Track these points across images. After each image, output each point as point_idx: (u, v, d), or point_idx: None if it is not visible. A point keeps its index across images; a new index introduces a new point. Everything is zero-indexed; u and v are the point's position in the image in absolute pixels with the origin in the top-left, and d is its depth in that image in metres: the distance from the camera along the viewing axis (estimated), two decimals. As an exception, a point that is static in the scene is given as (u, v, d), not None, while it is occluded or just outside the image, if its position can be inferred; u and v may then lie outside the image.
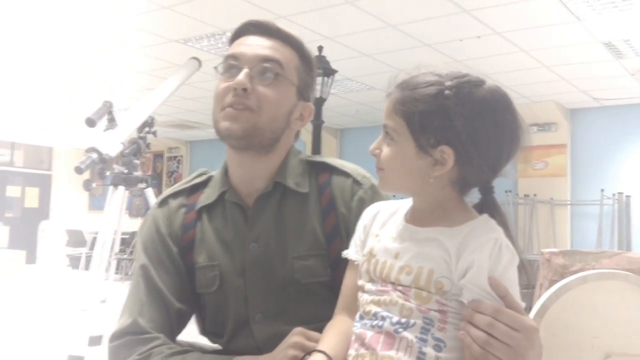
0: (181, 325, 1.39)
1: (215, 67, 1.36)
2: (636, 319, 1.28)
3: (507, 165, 1.07)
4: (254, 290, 1.32)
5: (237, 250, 1.34)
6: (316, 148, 6.18)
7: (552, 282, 1.29)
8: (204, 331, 1.43)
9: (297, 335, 1.18)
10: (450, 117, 1.01)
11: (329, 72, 5.94)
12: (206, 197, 1.42)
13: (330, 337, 1.13)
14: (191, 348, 1.30)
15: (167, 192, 1.49)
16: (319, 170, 1.42)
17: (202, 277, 1.36)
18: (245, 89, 1.28)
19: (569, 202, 8.57)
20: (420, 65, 1.10)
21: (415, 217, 1.11)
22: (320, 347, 1.11)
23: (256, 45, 1.33)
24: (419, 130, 1.03)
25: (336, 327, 1.15)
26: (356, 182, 1.38)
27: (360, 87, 7.87)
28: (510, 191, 8.54)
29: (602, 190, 8.15)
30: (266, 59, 1.31)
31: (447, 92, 1.02)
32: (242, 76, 1.28)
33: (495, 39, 5.78)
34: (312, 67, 1.42)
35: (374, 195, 1.36)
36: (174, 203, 1.44)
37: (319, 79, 5.93)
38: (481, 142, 1.01)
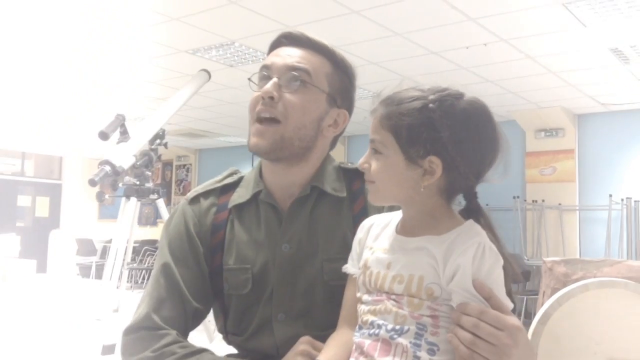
0: (195, 323, 1.41)
1: (249, 79, 1.40)
2: (637, 326, 1.31)
3: (489, 171, 1.12)
4: (280, 289, 1.35)
5: (269, 250, 1.37)
6: (324, 156, 6.22)
7: (555, 290, 1.32)
8: (223, 329, 1.45)
9: (304, 344, 1.22)
10: (436, 128, 1.06)
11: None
12: (239, 196, 1.44)
13: (330, 348, 1.18)
14: (204, 348, 1.32)
15: (198, 189, 1.50)
16: (353, 177, 1.44)
17: (233, 280, 1.38)
18: (272, 97, 1.32)
19: (577, 208, 8.56)
20: (402, 82, 1.16)
21: (405, 228, 1.16)
22: (321, 357, 1.16)
23: (287, 55, 1.36)
24: (406, 142, 1.08)
25: (337, 339, 1.20)
26: None
27: (368, 94, 7.90)
28: (518, 197, 8.56)
29: (611, 195, 8.15)
30: (294, 68, 1.34)
31: (431, 105, 1.08)
32: (269, 85, 1.32)
33: (501, 46, 5.81)
34: (347, 74, 1.43)
35: None
36: (205, 202, 1.45)
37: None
38: (466, 150, 1.07)
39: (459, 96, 1.10)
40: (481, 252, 1.04)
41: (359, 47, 5.96)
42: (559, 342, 1.29)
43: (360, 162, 1.15)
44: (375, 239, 1.20)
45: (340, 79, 1.41)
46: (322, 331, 1.26)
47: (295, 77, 1.33)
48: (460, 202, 1.15)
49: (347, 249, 1.33)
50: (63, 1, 4.96)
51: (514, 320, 1.02)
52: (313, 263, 1.34)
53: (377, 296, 1.11)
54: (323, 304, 1.33)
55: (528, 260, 8.25)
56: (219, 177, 1.52)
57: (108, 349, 3.49)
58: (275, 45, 1.42)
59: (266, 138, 1.32)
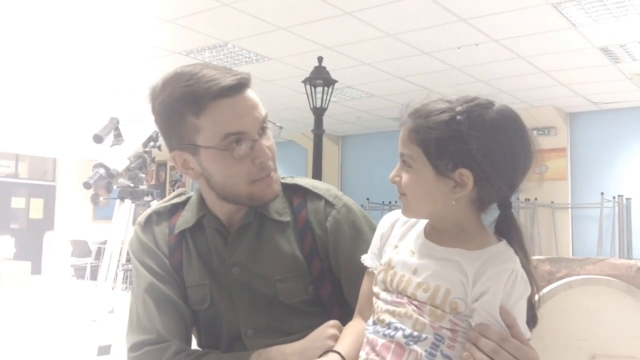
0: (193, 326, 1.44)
1: (232, 152, 1.27)
2: (619, 322, 1.34)
3: (523, 180, 1.12)
4: (242, 309, 1.36)
5: (222, 273, 1.38)
6: (317, 156, 6.26)
7: (539, 288, 1.36)
8: (200, 344, 1.47)
9: (334, 328, 1.24)
10: (464, 141, 1.04)
11: (329, 82, 6.01)
12: (184, 220, 1.43)
13: (346, 337, 1.20)
14: (208, 351, 1.35)
15: (148, 211, 1.50)
16: (292, 192, 1.44)
17: (194, 296, 1.40)
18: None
19: (569, 206, 8.61)
20: (430, 93, 1.14)
21: (435, 235, 1.14)
22: (337, 347, 1.18)
23: (252, 111, 1.29)
24: (435, 156, 1.06)
25: (352, 328, 1.22)
26: (328, 203, 1.41)
27: (361, 94, 7.94)
28: (511, 195, 8.58)
29: (602, 193, 8.20)
30: (264, 121, 1.32)
31: (458, 117, 1.05)
32: (264, 151, 1.30)
33: (492, 46, 5.86)
34: None
35: (348, 213, 1.40)
36: (157, 227, 1.45)
37: (319, 89, 6.01)
38: (497, 161, 1.05)
39: (488, 106, 1.08)
40: (513, 280, 1.05)
41: (351, 48, 6.00)
42: (544, 339, 1.32)
43: (391, 175, 1.14)
44: (402, 239, 1.19)
45: None
46: (296, 334, 1.28)
47: (267, 130, 1.33)
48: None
49: (297, 265, 1.35)
50: (57, 4, 4.97)
51: (533, 353, 1.04)
52: (266, 284, 1.35)
53: (398, 298, 1.11)
54: (286, 319, 1.34)
55: (521, 258, 8.29)
56: (167, 197, 1.51)
57: (104, 350, 3.51)
58: (209, 100, 1.26)
59: (275, 186, 1.35)
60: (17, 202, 14.58)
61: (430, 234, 1.15)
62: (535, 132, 8.55)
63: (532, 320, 1.11)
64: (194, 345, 1.44)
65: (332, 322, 1.25)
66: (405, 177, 1.11)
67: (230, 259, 1.37)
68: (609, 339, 1.33)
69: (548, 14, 5.01)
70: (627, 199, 8.06)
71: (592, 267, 1.37)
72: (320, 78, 5.97)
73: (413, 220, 1.20)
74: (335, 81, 6.12)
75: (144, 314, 1.36)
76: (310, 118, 6.39)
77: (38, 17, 5.27)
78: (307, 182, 1.46)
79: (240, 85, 1.28)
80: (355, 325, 1.22)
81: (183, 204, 1.47)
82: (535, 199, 8.67)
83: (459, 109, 1.07)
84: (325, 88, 6.02)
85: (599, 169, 8.48)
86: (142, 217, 1.48)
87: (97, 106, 8.45)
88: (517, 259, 1.08)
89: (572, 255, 8.29)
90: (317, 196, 1.42)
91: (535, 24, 5.26)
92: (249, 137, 1.28)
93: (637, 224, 8.03)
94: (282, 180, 1.44)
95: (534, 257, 1.41)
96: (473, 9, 4.98)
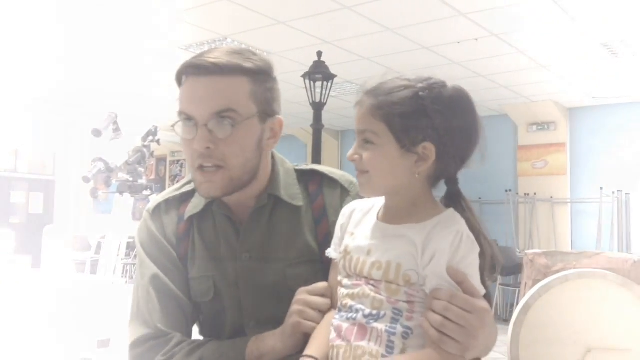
0: (195, 319, 1.44)
1: (173, 126, 1.28)
2: (614, 315, 1.35)
3: (471, 157, 1.16)
4: (247, 299, 1.35)
5: (229, 261, 1.37)
6: (316, 151, 6.25)
7: (536, 282, 1.37)
8: (202, 333, 1.47)
9: (298, 304, 1.24)
10: (428, 115, 1.09)
11: (328, 77, 6.01)
12: (193, 206, 1.42)
13: (319, 335, 1.20)
14: (209, 339, 1.34)
15: (158, 198, 1.49)
16: (308, 178, 1.44)
17: (197, 288, 1.39)
18: (208, 148, 1.25)
19: (568, 201, 8.62)
20: (387, 73, 1.18)
21: (386, 216, 1.18)
22: (310, 350, 1.17)
23: (206, 97, 1.24)
24: (400, 130, 1.10)
25: (325, 324, 1.22)
26: (344, 189, 1.41)
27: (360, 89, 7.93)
28: (510, 190, 8.61)
29: (601, 188, 8.21)
30: (219, 113, 1.24)
31: (421, 93, 1.11)
32: (200, 140, 1.24)
33: (492, 40, 5.85)
34: (268, 77, 1.33)
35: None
36: (166, 216, 1.45)
37: (318, 84, 6.01)
38: (456, 135, 1.11)
39: (443, 84, 1.13)
40: (459, 240, 1.08)
41: (350, 43, 5.99)
42: (540, 332, 1.33)
43: (349, 154, 1.15)
44: (357, 225, 1.22)
45: (262, 86, 1.31)
46: None
47: (223, 122, 1.24)
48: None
49: (308, 252, 1.35)
50: (56, 1, 4.97)
51: (482, 303, 1.07)
52: (275, 270, 1.34)
53: (356, 280, 1.15)
54: None
55: (520, 253, 8.30)
56: (177, 185, 1.49)
57: (103, 343, 3.52)
58: (182, 74, 1.28)
59: (216, 183, 1.28)
60: (17, 197, 14.58)
61: (383, 216, 1.19)
62: (534, 127, 8.67)
63: (492, 268, 1.15)
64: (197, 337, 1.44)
65: (299, 296, 1.25)
66: (366, 154, 1.13)
67: (242, 246, 1.36)
68: (605, 331, 1.34)
69: (547, 7, 5.00)
70: (626, 194, 8.06)
71: (588, 260, 1.38)
72: (319, 72, 5.97)
73: (368, 207, 1.23)
74: (335, 76, 6.12)
75: (145, 306, 1.36)
76: (310, 113, 6.39)
77: (37, 13, 5.26)
78: (323, 168, 1.47)
79: (203, 68, 1.24)
80: (327, 318, 1.23)
81: (193, 191, 1.45)
82: (535, 193, 8.68)
83: (420, 85, 1.12)
84: (325, 83, 6.02)
85: (598, 164, 8.48)
86: (151, 205, 1.48)
87: (97, 101, 8.44)
88: (462, 222, 1.11)
89: (571, 250, 8.30)
90: (334, 182, 1.43)
91: (535, 18, 5.26)
92: (197, 122, 1.25)
93: (636, 219, 8.05)
94: (298, 167, 1.46)
95: (531, 251, 1.41)
96: (473, 4, 4.97)
